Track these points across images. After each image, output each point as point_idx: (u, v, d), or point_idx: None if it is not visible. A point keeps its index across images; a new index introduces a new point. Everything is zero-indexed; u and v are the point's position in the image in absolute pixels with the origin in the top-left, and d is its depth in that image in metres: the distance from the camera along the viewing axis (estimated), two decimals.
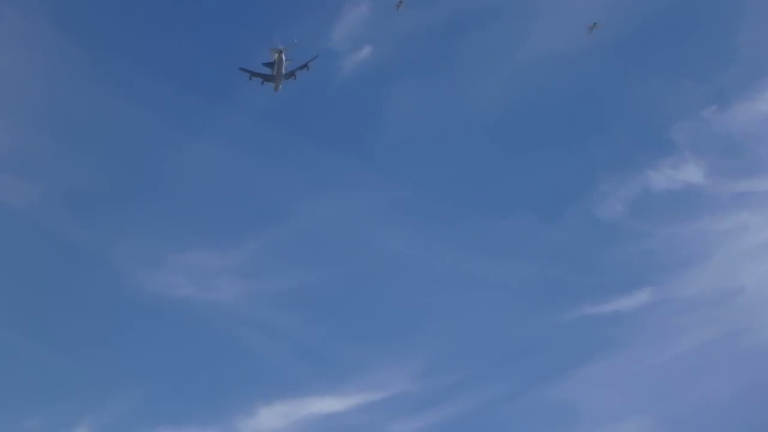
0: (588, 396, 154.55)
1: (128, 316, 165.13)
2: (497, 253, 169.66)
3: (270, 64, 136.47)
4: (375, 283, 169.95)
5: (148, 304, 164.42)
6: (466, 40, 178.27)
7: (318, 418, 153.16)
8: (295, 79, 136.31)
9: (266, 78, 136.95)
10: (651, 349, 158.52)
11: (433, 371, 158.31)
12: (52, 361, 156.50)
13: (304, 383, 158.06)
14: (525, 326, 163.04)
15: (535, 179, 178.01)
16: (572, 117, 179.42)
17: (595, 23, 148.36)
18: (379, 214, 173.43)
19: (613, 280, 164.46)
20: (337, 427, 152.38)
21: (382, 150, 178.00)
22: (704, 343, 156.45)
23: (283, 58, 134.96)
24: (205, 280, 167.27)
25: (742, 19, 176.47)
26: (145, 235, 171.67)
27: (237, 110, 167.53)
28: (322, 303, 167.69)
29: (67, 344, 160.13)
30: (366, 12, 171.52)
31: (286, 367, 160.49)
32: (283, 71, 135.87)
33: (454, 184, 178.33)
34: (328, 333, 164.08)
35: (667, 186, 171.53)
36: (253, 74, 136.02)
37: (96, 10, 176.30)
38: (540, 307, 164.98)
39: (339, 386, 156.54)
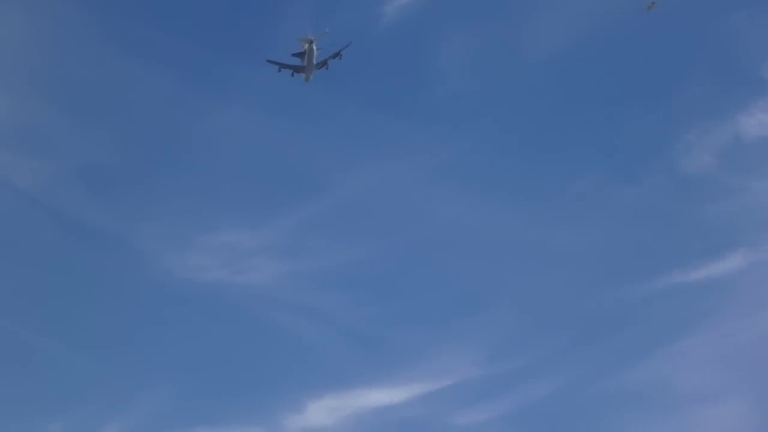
0: (677, 376, 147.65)
1: (154, 306, 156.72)
2: (569, 218, 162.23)
3: (300, 55, 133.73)
4: (430, 257, 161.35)
5: (176, 291, 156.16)
6: None
7: (371, 411, 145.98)
8: (327, 68, 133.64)
9: (296, 69, 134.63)
10: (748, 320, 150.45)
11: (500, 355, 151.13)
12: (72, 358, 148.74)
13: (355, 373, 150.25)
14: (603, 300, 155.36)
15: (609, 132, 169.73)
16: (649, 60, 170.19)
17: (654, 2, 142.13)
18: (432, 179, 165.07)
19: (703, 242, 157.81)
20: (393, 421, 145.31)
21: (432, 107, 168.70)
22: None
23: (314, 48, 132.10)
24: (239, 262, 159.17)
25: None
26: (169, 214, 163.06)
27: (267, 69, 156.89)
28: (371, 282, 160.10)
29: (88, 340, 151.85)
30: None
31: (334, 355, 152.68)
32: (314, 61, 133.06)
33: (516, 142, 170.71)
34: (379, 316, 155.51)
35: (761, 132, 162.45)
36: (282, 66, 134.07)
37: None
38: (620, 277, 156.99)
39: (394, 376, 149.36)
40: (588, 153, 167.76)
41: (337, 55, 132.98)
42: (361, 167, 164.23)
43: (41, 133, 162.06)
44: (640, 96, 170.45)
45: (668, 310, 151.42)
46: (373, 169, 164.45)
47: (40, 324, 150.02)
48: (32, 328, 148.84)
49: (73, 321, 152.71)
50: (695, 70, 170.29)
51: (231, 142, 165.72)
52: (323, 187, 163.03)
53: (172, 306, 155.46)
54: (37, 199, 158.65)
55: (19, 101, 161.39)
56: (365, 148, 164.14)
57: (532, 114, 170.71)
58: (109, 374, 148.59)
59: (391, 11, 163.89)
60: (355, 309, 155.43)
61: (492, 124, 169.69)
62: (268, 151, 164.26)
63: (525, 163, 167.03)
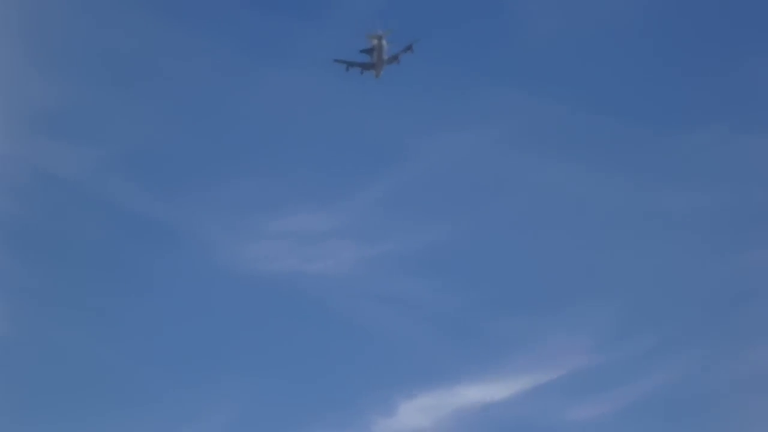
0: None
1: (219, 302, 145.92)
2: (683, 178, 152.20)
3: (368, 51, 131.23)
4: (528, 232, 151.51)
5: (243, 284, 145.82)
6: None
7: (472, 410, 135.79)
8: (398, 63, 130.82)
9: (365, 66, 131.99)
10: None
11: (616, 339, 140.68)
12: (131, 365, 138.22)
13: (452, 368, 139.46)
14: (731, 270, 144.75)
15: (725, 78, 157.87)
16: None
17: None
18: (525, 143, 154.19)
19: None
20: (496, 419, 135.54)
21: (519, 58, 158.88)
22: None
23: (384, 43, 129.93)
24: (312, 248, 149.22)
25: None
26: (229, 199, 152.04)
27: (328, 26, 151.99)
28: (462, 264, 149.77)
29: (146, 343, 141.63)
30: None
31: (427, 349, 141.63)
32: (385, 57, 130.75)
33: (619, 95, 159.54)
34: (474, 302, 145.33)
35: None
36: (350, 64, 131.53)
37: None
38: (747, 242, 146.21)
39: (495, 369, 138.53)
40: (701, 104, 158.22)
41: (408, 48, 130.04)
42: (442, 134, 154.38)
43: (82, 117, 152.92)
44: (758, 34, 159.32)
45: None
46: (456, 134, 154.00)
47: (95, 328, 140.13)
48: (86, 332, 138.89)
49: (130, 324, 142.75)
50: None
51: (293, 114, 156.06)
52: (402, 158, 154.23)
53: (238, 301, 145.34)
54: (84, 191, 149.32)
55: (54, 82, 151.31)
56: (445, 112, 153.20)
57: (631, 61, 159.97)
58: (181, 377, 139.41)
59: None
60: (446, 295, 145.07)
61: (588, 75, 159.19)
62: (336, 122, 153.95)
63: (627, 119, 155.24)
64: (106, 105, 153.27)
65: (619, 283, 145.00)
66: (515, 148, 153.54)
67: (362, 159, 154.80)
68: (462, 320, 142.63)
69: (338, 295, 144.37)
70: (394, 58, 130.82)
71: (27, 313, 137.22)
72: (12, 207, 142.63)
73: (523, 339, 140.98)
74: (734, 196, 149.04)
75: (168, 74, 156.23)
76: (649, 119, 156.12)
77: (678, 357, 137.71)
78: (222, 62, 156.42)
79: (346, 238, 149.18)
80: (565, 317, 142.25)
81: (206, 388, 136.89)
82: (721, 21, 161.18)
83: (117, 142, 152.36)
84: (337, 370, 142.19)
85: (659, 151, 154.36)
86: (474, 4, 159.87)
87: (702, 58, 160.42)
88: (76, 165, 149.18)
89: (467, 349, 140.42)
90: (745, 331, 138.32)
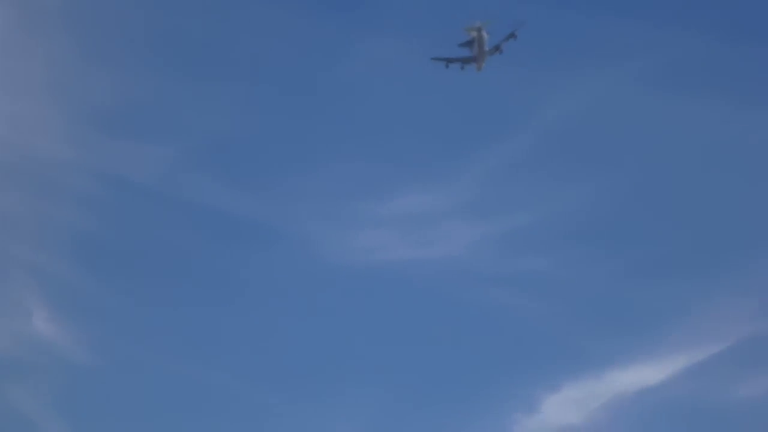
0: None
1: (327, 301, 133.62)
2: None
3: (467, 44, 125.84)
4: (671, 190, 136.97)
5: (352, 279, 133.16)
6: None
7: (627, 398, 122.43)
8: (501, 52, 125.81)
9: (466, 60, 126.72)
10: None
11: None
12: (237, 384, 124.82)
13: (597, 352, 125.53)
14: None
15: None
16: None
17: None
18: (659, 88, 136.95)
19: None
20: (655, 406, 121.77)
21: None
22: None
23: (484, 35, 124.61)
24: (424, 232, 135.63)
25: None
26: (325, 187, 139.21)
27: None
28: (598, 228, 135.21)
29: (252, 357, 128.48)
30: None
31: (567, 333, 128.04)
32: (486, 48, 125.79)
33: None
34: (614, 275, 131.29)
35: None
36: (450, 61, 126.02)
37: None
38: None
39: (650, 347, 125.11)
40: None
41: (511, 35, 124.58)
42: (564, 87, 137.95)
43: (148, 112, 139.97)
44: None
45: None
46: (579, 86, 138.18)
47: (198, 348, 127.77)
48: (189, 354, 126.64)
49: (233, 337, 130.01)
50: None
51: (389, 84, 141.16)
52: (517, 120, 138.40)
53: (349, 297, 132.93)
54: (160, 194, 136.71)
55: (113, 76, 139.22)
56: (565, 61, 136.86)
57: None
58: (296, 391, 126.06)
59: None
60: (581, 269, 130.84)
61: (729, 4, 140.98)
62: (439, 87, 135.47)
63: None
64: (175, 96, 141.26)
65: None
66: (650, 92, 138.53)
67: (472, 126, 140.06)
68: (604, 295, 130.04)
69: (459, 281, 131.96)
70: (496, 49, 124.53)
71: (113, 339, 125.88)
72: (83, 219, 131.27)
73: (679, 309, 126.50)
74: None
75: (243, 55, 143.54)
76: None
77: None
78: (303, 36, 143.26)
79: (462, 216, 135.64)
80: (728, 279, 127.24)
81: (327, 399, 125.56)
82: None
83: (191, 137, 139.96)
84: (467, 366, 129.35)
85: None
86: None
87: None
88: (148, 166, 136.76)
89: (614, 329, 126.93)
90: None
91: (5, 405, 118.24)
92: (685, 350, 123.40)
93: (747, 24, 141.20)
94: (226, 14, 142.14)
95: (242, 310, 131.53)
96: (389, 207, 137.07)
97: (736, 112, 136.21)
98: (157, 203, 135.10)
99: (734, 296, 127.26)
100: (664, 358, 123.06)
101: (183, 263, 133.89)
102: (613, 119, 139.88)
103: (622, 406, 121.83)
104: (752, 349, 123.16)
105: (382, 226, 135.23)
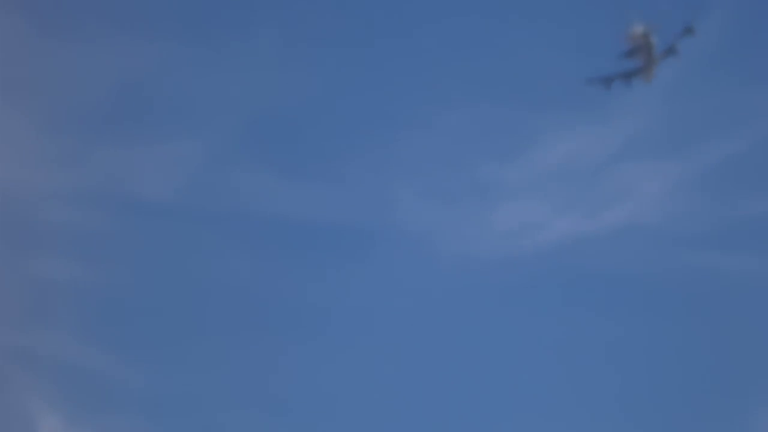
0: None
1: (463, 321, 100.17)
2: None
3: (632, 53, 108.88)
4: None
5: (489, 283, 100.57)
6: None
7: None
8: (677, 54, 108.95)
9: (632, 73, 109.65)
10: None
11: None
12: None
13: None
14: None
15: None
16: None
17: None
18: None
19: None
20: None
21: None
22: None
23: (652, 40, 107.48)
24: (587, 193, 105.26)
25: None
26: (429, 152, 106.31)
27: None
28: None
29: (369, 388, 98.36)
30: None
31: None
32: (656, 54, 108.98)
33: None
34: None
35: None
36: (614, 78, 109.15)
37: None
38: None
39: None
40: None
41: (688, 30, 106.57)
42: None
43: (164, 99, 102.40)
44: None
45: None
46: None
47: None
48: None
49: (341, 369, 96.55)
50: None
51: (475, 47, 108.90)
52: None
53: (495, 307, 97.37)
54: (187, 204, 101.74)
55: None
56: None
57: None
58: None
59: None
60: None
61: None
62: None
63: None
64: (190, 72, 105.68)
65: None
66: None
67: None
68: None
69: (655, 255, 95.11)
70: (671, 51, 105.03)
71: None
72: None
73: None
74: None
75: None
76: None
77: None
78: None
79: (636, 159, 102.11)
80: None
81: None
82: None
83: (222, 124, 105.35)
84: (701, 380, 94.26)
85: None
86: None
87: None
88: (165, 173, 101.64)
89: None
90: None
91: None
92: None
93: None
94: None
95: (344, 359, 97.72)
96: (528, 165, 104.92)
97: None
98: (183, 223, 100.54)
99: None
100: None
101: (240, 305, 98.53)
102: None
103: None
104: None
105: (522, 195, 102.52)
